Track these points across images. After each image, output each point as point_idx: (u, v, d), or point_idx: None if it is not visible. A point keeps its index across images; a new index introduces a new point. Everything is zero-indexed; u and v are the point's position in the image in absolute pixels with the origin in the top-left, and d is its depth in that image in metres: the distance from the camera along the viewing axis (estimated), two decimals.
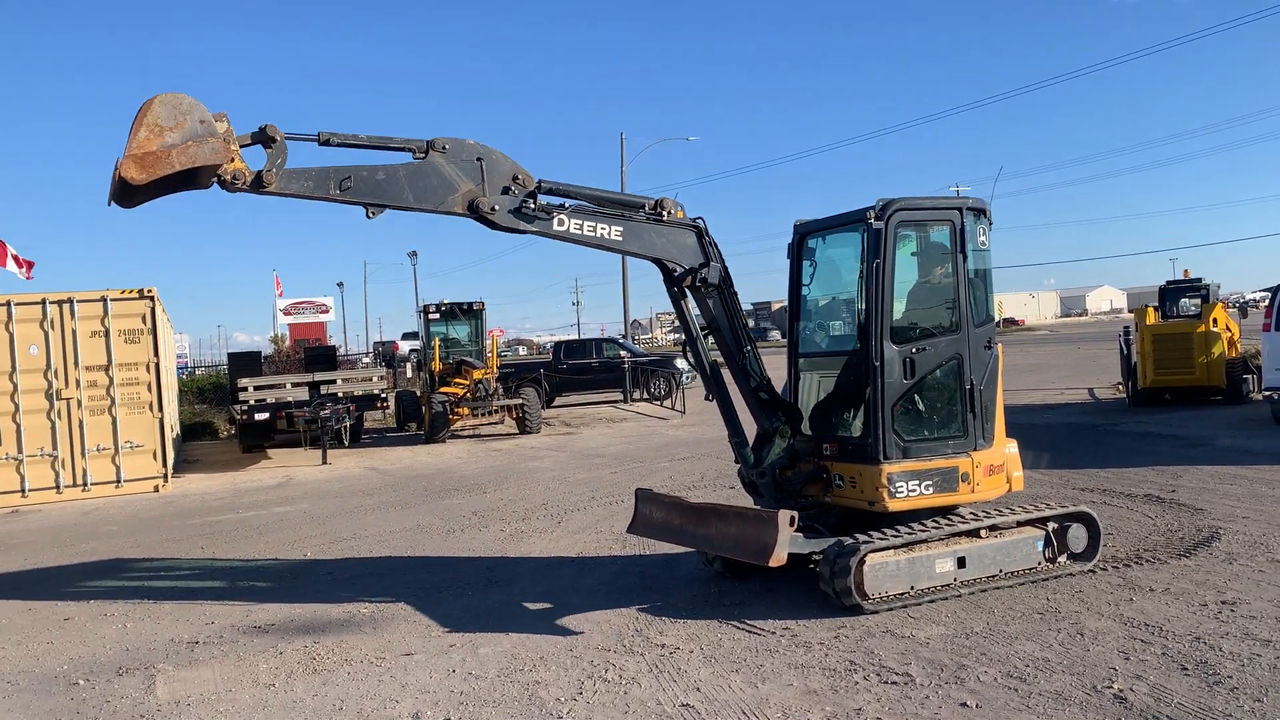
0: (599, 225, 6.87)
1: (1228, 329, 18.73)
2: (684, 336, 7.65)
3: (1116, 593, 6.72)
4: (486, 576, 8.34)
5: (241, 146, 5.99)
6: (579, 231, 6.81)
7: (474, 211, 6.54)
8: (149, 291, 15.55)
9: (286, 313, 57.62)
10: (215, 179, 5.99)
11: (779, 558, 6.29)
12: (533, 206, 6.65)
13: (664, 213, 7.06)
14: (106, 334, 15.22)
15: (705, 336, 7.51)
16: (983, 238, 7.17)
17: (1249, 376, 18.23)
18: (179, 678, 6.11)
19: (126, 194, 5.90)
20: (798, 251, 7.80)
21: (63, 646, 6.99)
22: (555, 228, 6.74)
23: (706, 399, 7.71)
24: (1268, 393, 14.97)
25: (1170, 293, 20.85)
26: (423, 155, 6.45)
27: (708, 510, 7.23)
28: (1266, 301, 15.94)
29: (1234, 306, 23.23)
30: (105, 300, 15.26)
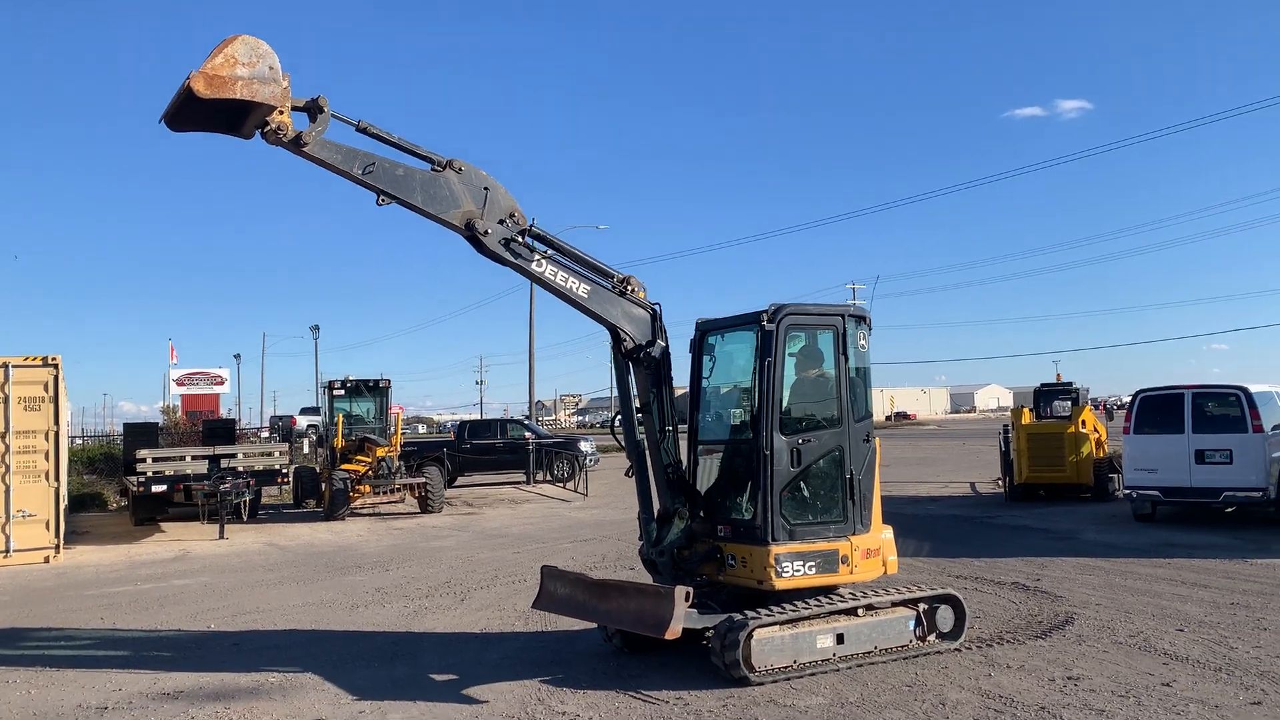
0: (570, 279, 7.57)
1: (1095, 430, 20.12)
2: (620, 409, 8.24)
3: (977, 668, 7.40)
4: (392, 650, 8.62)
5: (293, 108, 6.59)
6: (552, 278, 7.50)
7: (469, 230, 7.19)
8: (53, 359, 15.46)
9: (180, 383, 56.39)
10: (259, 129, 6.58)
11: (674, 631, 6.82)
12: (520, 244, 7.33)
13: (629, 288, 7.81)
14: (6, 401, 15.04)
15: (637, 413, 8.11)
16: (863, 341, 7.96)
17: (1114, 475, 19.53)
18: None
19: (181, 112, 6.44)
20: (698, 347, 8.47)
21: None
22: (533, 268, 7.42)
23: (627, 474, 8.23)
24: (1128, 491, 16.15)
25: (1044, 395, 22.27)
26: (440, 169, 7.13)
27: (609, 586, 7.72)
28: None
29: (1103, 408, 24.85)
30: (7, 366, 15.11)
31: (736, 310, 8.24)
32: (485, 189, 7.29)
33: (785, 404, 7.76)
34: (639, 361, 7.88)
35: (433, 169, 7.15)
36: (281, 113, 6.53)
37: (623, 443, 8.26)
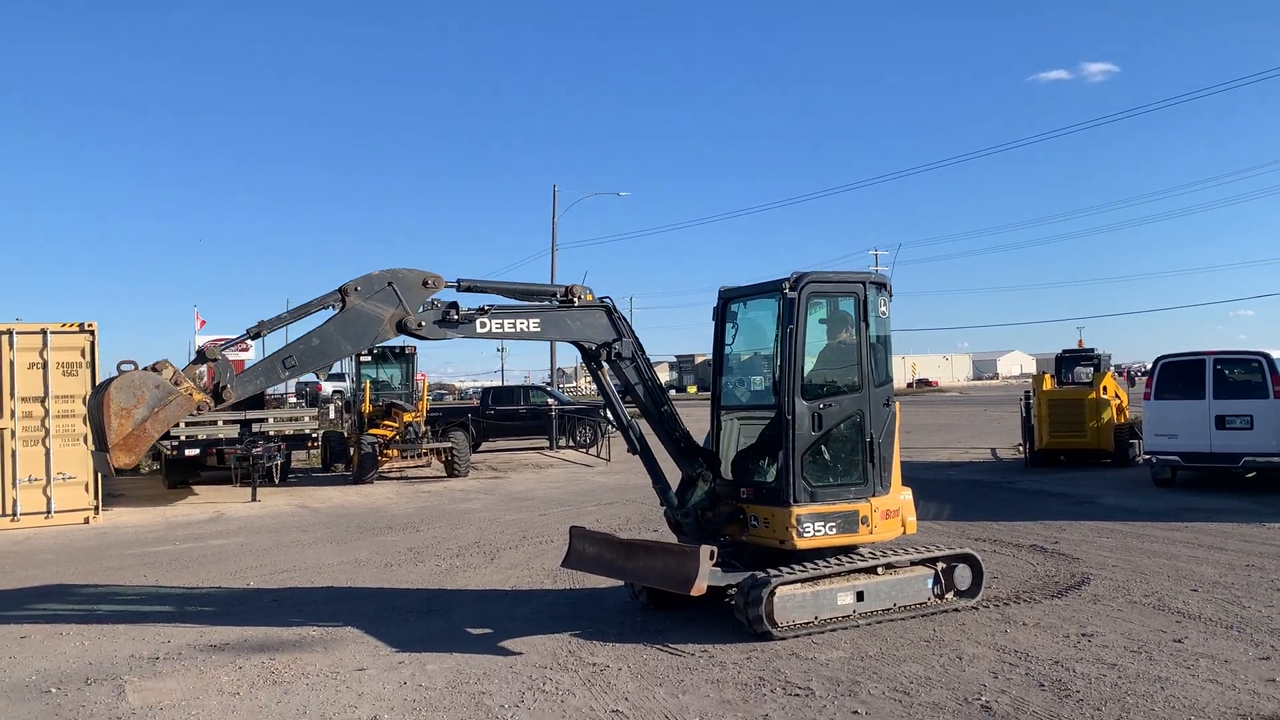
0: (518, 321, 7.61)
1: (1117, 396, 20.19)
2: (604, 401, 8.44)
3: (994, 625, 7.62)
4: (427, 605, 8.94)
5: (190, 377, 6.57)
6: (500, 329, 7.57)
7: (403, 330, 7.16)
8: (90, 326, 15.81)
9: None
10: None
11: (700, 588, 7.07)
12: (455, 316, 7.32)
13: (574, 298, 7.85)
14: (45, 366, 15.42)
15: (624, 397, 8.33)
16: (883, 308, 8.13)
17: (1135, 441, 19.60)
18: (146, 687, 6.61)
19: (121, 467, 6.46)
20: (721, 314, 8.66)
21: (25, 661, 7.40)
22: (478, 330, 7.45)
23: (629, 451, 8.48)
24: (1148, 456, 16.27)
25: (1066, 361, 22.29)
26: (340, 304, 6.99)
27: (636, 545, 7.99)
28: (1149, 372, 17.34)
29: (1125, 375, 24.87)
30: (45, 333, 15.48)
31: (759, 277, 8.42)
32: (389, 284, 7.07)
33: (807, 369, 7.94)
34: (611, 361, 8.00)
35: (335, 309, 7.00)
36: (196, 396, 6.53)
37: (616, 427, 8.44)
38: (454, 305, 7.34)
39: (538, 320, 7.69)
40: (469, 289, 7.53)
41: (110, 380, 6.34)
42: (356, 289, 7.01)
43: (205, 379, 6.72)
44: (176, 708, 6.15)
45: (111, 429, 6.16)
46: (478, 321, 7.42)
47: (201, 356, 6.68)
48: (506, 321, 7.57)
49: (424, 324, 7.21)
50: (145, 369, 6.45)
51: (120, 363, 6.53)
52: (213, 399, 6.61)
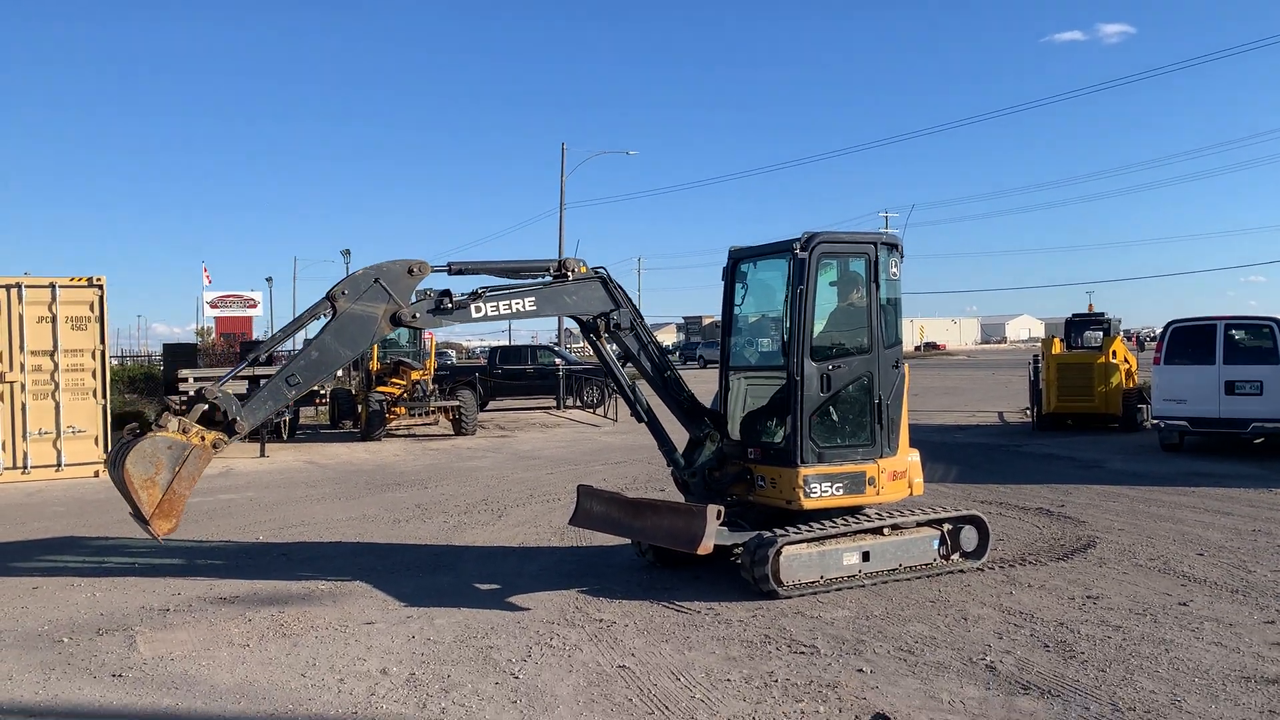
0: (513, 301, 7.54)
1: (1126, 361, 20.13)
2: (606, 371, 8.41)
3: (999, 587, 7.65)
4: (435, 561, 8.99)
5: (198, 421, 6.61)
6: (496, 312, 7.52)
7: (398, 323, 7.14)
8: (98, 280, 15.82)
9: (213, 305, 57.00)
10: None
11: (706, 546, 7.10)
12: (449, 304, 7.27)
13: (568, 272, 7.78)
14: (54, 320, 15.45)
15: (624, 365, 8.32)
16: (894, 269, 8.08)
17: (1143, 406, 19.56)
18: (157, 638, 6.68)
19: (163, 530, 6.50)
20: (731, 275, 8.62)
21: (38, 611, 7.47)
22: (474, 315, 7.41)
23: (636, 419, 8.46)
24: (1156, 421, 16.25)
25: (1076, 325, 22.21)
26: (331, 311, 6.96)
27: (643, 504, 8.02)
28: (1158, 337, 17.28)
29: (1135, 340, 24.79)
30: (54, 287, 15.49)
31: (768, 238, 8.38)
32: (375, 280, 7.01)
33: (816, 331, 7.90)
34: (611, 331, 7.96)
35: (327, 316, 6.98)
36: (209, 437, 6.58)
37: (619, 396, 8.43)
38: (446, 293, 7.30)
39: (533, 299, 7.63)
40: (459, 272, 7.48)
41: (124, 450, 6.38)
42: (344, 292, 6.98)
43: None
44: (187, 659, 6.22)
45: (143, 502, 6.27)
46: (472, 306, 7.39)
47: (200, 397, 6.70)
48: (501, 303, 7.52)
49: (418, 315, 7.20)
50: (151, 432, 6.49)
51: (127, 427, 6.63)
52: (226, 434, 6.69)
